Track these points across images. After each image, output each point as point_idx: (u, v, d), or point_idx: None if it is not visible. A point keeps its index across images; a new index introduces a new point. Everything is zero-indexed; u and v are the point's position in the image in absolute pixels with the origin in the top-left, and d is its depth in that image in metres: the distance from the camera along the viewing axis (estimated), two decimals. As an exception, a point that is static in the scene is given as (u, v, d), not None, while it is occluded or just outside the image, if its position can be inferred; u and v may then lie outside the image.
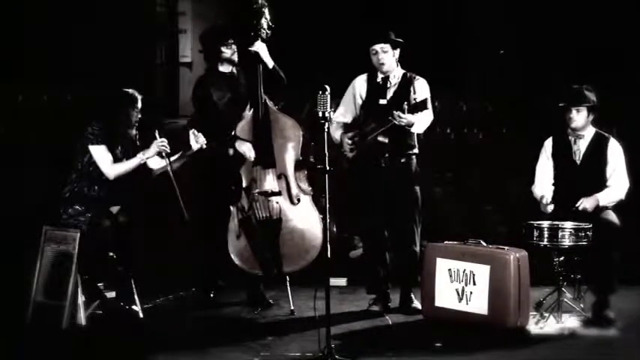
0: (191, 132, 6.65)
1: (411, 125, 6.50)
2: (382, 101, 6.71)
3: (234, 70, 6.96)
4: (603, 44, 8.14)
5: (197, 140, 6.61)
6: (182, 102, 9.01)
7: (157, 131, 6.47)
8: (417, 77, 6.68)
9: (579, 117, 6.54)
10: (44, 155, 7.79)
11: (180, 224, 6.32)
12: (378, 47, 6.63)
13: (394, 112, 6.41)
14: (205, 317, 6.74)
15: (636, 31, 8.18)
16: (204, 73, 7.09)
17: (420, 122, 6.54)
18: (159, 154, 6.47)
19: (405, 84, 6.68)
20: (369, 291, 6.86)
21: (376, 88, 6.73)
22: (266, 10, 6.72)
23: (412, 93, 6.56)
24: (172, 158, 6.55)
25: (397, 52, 6.68)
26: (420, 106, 6.41)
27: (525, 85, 8.37)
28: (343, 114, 6.83)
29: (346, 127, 6.80)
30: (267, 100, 6.76)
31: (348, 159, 6.75)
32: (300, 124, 6.80)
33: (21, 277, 6.41)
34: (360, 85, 6.79)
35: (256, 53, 6.69)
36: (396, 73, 6.72)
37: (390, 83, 6.72)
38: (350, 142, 6.69)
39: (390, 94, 6.72)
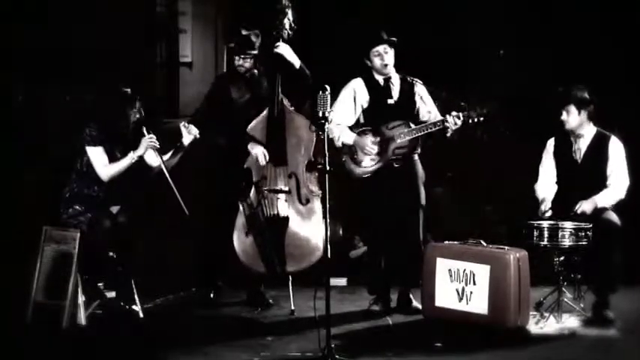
0: (182, 125, 6.67)
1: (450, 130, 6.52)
2: (390, 101, 6.71)
3: (256, 72, 6.96)
4: (603, 44, 8.14)
5: (189, 132, 6.62)
6: (182, 102, 9.00)
7: (144, 128, 6.46)
8: (415, 80, 6.70)
9: (570, 118, 6.54)
10: (44, 155, 7.79)
11: (182, 219, 6.32)
12: (381, 48, 6.63)
13: (449, 117, 6.43)
14: (205, 317, 6.74)
15: (636, 31, 8.18)
16: (227, 70, 7.11)
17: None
18: (151, 149, 6.46)
19: (407, 86, 6.70)
20: (371, 291, 6.85)
21: (379, 90, 6.71)
22: (289, 11, 6.73)
23: (417, 94, 6.65)
24: (167, 156, 6.56)
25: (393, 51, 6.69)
26: (477, 113, 6.46)
27: (525, 85, 8.36)
28: (346, 117, 6.74)
29: (351, 130, 6.76)
30: (284, 99, 6.77)
31: (353, 160, 6.72)
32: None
33: (21, 277, 6.41)
34: (360, 89, 6.73)
35: (279, 55, 6.69)
36: (394, 75, 6.73)
37: (393, 84, 6.72)
38: (375, 148, 6.64)
39: (395, 93, 6.71)
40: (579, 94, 6.52)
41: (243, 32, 6.94)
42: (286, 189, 6.69)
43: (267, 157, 6.71)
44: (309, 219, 6.68)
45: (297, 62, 6.76)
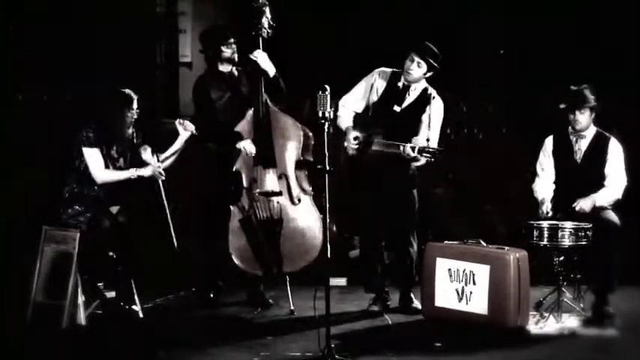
0: (177, 122, 6.68)
1: (416, 162, 6.45)
2: (396, 108, 6.66)
3: (235, 70, 6.96)
4: (603, 44, 8.14)
5: (185, 128, 6.63)
6: (182, 102, 9.00)
7: (156, 155, 6.51)
8: (435, 96, 6.63)
9: (583, 118, 6.56)
10: (44, 155, 7.79)
11: (169, 251, 6.37)
12: (417, 58, 6.58)
13: (407, 146, 6.36)
14: (205, 317, 6.74)
15: (636, 31, 8.18)
16: (204, 72, 7.09)
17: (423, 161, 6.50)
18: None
19: (423, 100, 6.64)
20: (367, 290, 6.86)
21: (394, 92, 6.67)
22: (267, 9, 6.70)
23: (427, 112, 6.56)
24: (165, 154, 6.57)
25: (429, 74, 6.61)
26: (431, 153, 6.34)
27: (525, 85, 8.37)
28: (356, 101, 6.74)
29: (355, 117, 6.75)
30: (268, 100, 6.76)
31: (347, 156, 6.72)
32: (302, 124, 6.80)
33: (21, 277, 6.40)
34: (381, 80, 6.70)
35: (255, 62, 6.68)
36: (417, 86, 6.67)
37: (409, 93, 6.69)
38: (355, 143, 6.66)
39: (406, 103, 6.68)
40: (592, 96, 6.53)
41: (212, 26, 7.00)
42: (277, 190, 6.68)
43: (254, 149, 6.67)
44: (303, 218, 6.67)
45: (272, 71, 6.70)
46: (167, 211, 6.40)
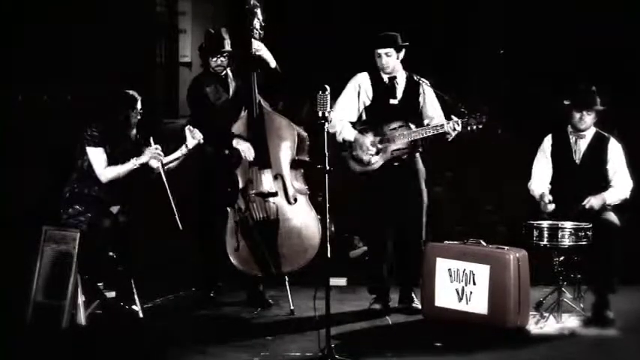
0: (187, 128, 6.66)
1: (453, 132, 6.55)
2: (393, 101, 6.71)
3: (230, 71, 6.96)
4: (604, 44, 8.14)
5: (194, 136, 6.62)
6: (182, 102, 9.02)
7: (151, 138, 6.48)
8: (420, 77, 6.71)
9: (589, 119, 6.55)
10: (44, 155, 7.79)
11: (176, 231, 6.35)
12: (382, 51, 6.64)
13: (450, 122, 6.46)
14: (205, 317, 6.74)
15: (637, 31, 8.18)
16: (201, 72, 7.09)
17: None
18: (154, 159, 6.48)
19: (412, 85, 6.71)
20: (371, 291, 6.85)
21: (384, 89, 6.72)
22: (258, 11, 6.70)
23: (422, 94, 6.69)
24: (169, 158, 6.57)
25: (401, 53, 6.68)
26: (474, 117, 6.50)
27: (525, 85, 8.37)
28: (350, 111, 6.74)
29: (353, 126, 6.75)
30: (262, 101, 6.75)
31: (353, 157, 6.71)
32: (300, 124, 6.80)
33: (21, 277, 6.41)
34: (365, 83, 6.73)
35: (257, 55, 6.68)
36: (401, 74, 6.73)
37: (398, 83, 6.72)
38: (374, 147, 6.64)
39: (399, 93, 6.72)
40: (598, 98, 6.53)
41: (211, 31, 6.97)
42: (273, 191, 6.68)
43: (253, 153, 6.67)
44: (300, 218, 6.67)
45: (272, 62, 6.73)
46: (169, 193, 6.36)
